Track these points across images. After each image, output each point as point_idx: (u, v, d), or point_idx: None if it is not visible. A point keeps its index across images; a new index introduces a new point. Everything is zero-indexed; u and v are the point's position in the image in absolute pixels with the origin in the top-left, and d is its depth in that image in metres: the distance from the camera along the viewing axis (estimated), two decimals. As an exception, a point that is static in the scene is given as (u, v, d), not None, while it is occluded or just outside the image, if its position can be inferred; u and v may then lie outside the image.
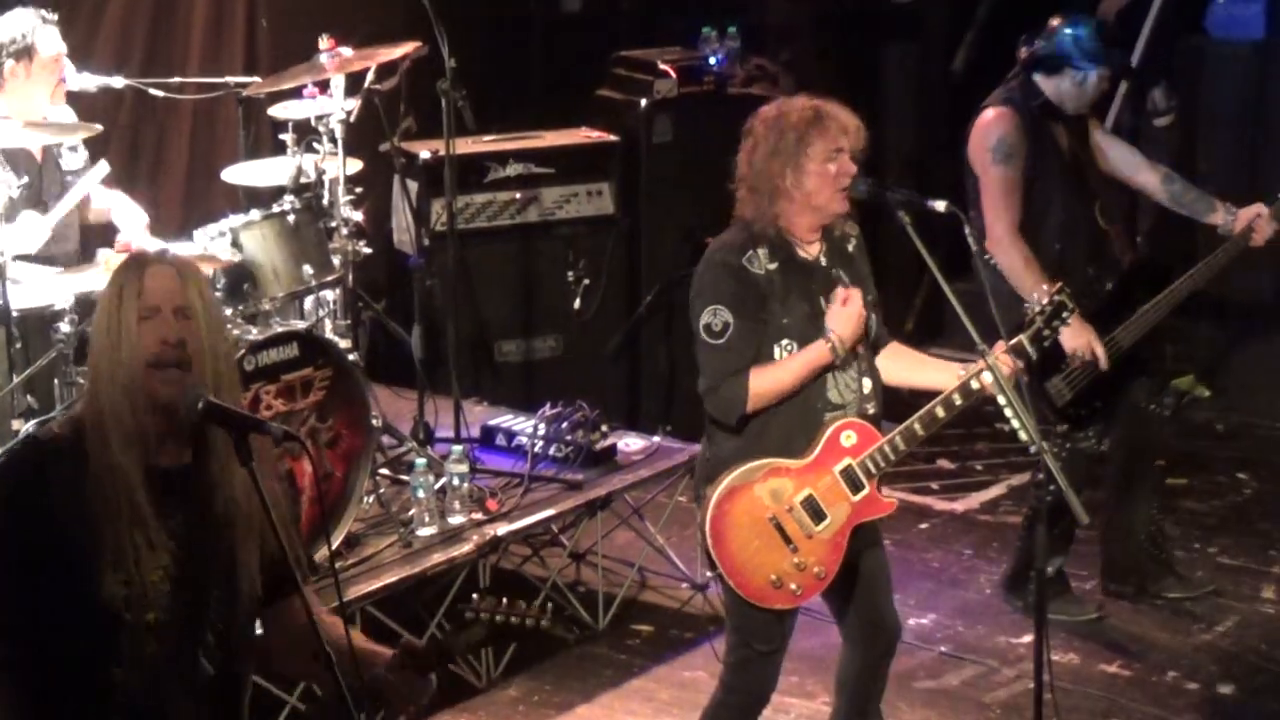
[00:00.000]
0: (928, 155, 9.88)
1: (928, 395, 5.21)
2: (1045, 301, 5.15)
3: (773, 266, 5.07)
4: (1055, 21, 6.77)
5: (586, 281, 8.55)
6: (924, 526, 7.95)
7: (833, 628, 6.92)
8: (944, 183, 9.11)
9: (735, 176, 5.18)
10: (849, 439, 5.11)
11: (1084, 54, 6.68)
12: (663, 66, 8.80)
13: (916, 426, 5.11)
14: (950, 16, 9.93)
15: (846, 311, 5.07)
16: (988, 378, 5.04)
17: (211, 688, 3.65)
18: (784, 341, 5.07)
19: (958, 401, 5.11)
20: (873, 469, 5.11)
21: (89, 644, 3.54)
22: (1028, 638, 6.66)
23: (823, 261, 5.18)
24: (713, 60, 9.00)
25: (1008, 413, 4.97)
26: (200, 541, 3.61)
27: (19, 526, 3.55)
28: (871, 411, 5.19)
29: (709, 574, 5.16)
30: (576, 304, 8.56)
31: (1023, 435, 4.95)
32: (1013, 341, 5.11)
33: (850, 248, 5.28)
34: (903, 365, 5.36)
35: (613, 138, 8.71)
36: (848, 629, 5.43)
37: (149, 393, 3.57)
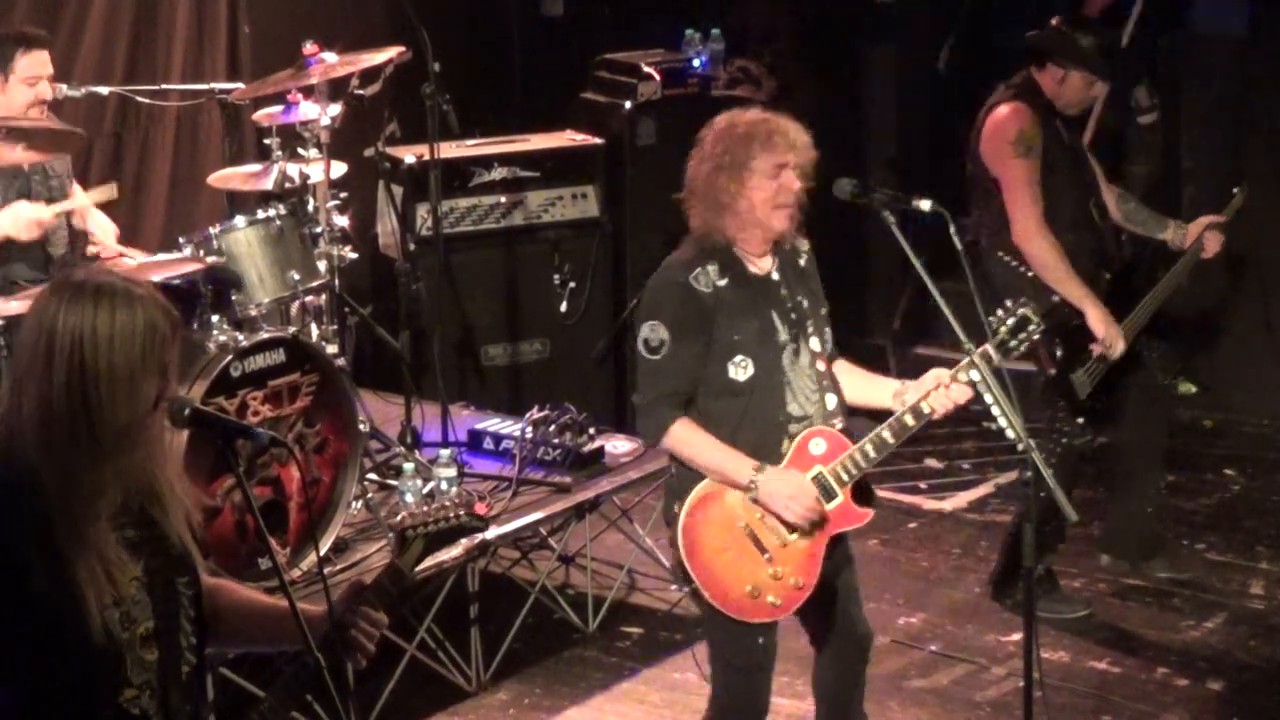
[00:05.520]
0: (911, 155, 9.89)
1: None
2: (1008, 317, 5.06)
3: (722, 283, 4.99)
4: (1054, 20, 6.86)
5: (572, 284, 8.55)
6: (912, 526, 7.95)
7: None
8: (927, 183, 9.16)
9: (684, 188, 5.10)
10: (818, 446, 5.05)
11: (1064, 53, 6.73)
12: (646, 69, 8.80)
13: (886, 434, 5.05)
14: (932, 17, 9.93)
15: (788, 493, 4.97)
16: (946, 397, 4.99)
17: (188, 678, 3.64)
18: (738, 358, 5.00)
19: (925, 410, 5.04)
20: (844, 476, 5.04)
21: (96, 678, 3.46)
22: (1017, 636, 6.67)
23: (774, 276, 5.09)
24: (696, 62, 9.02)
25: (995, 411, 4.97)
26: (155, 538, 3.58)
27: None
28: (840, 426, 5.13)
29: (684, 589, 5.09)
30: (562, 307, 8.56)
31: (1010, 434, 4.96)
32: (979, 350, 5.05)
33: (802, 262, 5.19)
34: (847, 382, 5.26)
35: (597, 140, 8.72)
36: (820, 638, 5.36)
37: (147, 444, 3.52)
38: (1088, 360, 6.72)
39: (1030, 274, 6.69)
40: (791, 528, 5.02)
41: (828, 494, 5.06)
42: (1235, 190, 7.08)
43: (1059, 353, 6.72)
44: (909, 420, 5.05)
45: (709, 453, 4.99)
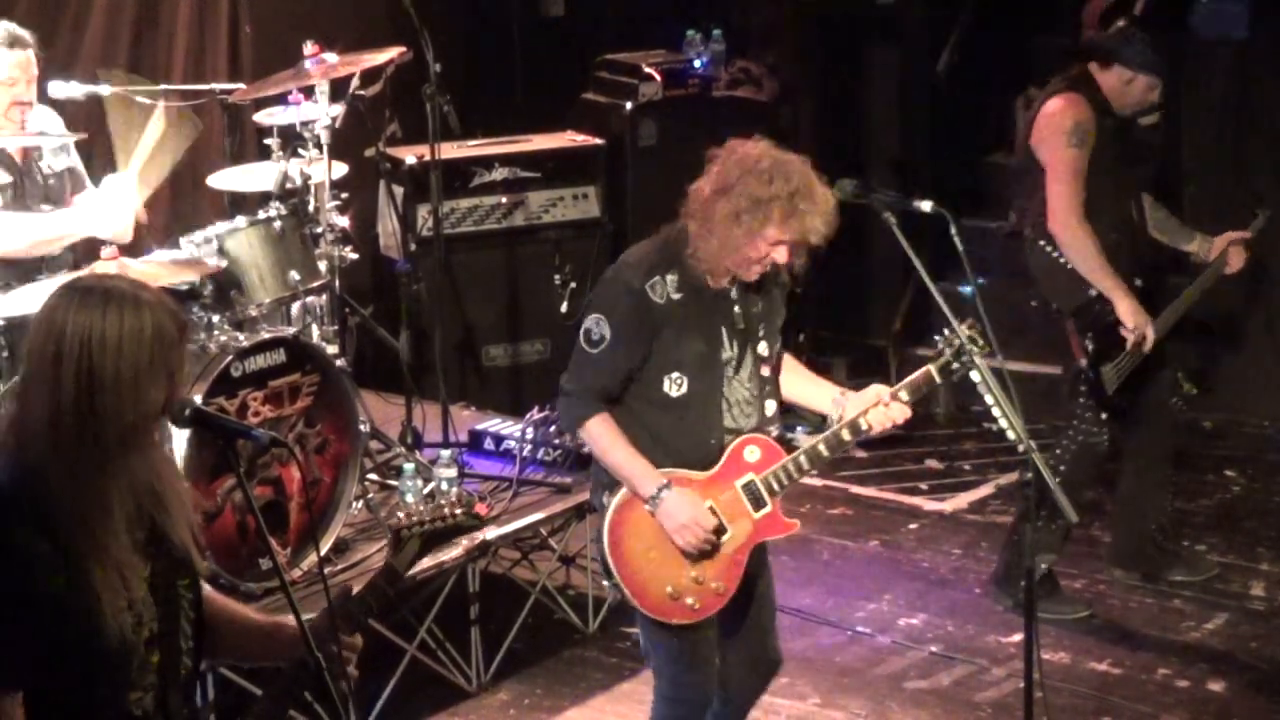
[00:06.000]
0: (911, 157, 9.89)
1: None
2: (954, 338, 5.03)
3: (677, 296, 4.94)
4: (1121, 22, 6.92)
5: (573, 285, 8.55)
6: (913, 527, 7.95)
7: (821, 629, 6.93)
8: (928, 184, 9.17)
9: (693, 189, 4.97)
10: (752, 454, 5.04)
11: (1133, 56, 6.76)
12: (647, 70, 8.81)
13: (821, 448, 5.05)
14: (933, 18, 9.94)
15: (684, 519, 4.94)
16: (885, 415, 5.00)
17: (186, 680, 3.64)
18: (674, 374, 4.97)
19: (863, 426, 5.03)
20: (775, 486, 5.04)
21: (105, 680, 3.47)
22: (1018, 637, 6.66)
23: (732, 294, 5.03)
24: (697, 63, 9.02)
25: (995, 412, 4.97)
26: (158, 540, 3.58)
27: (4, 588, 3.40)
28: (775, 434, 5.12)
29: (605, 583, 5.08)
30: (563, 307, 8.56)
31: (1010, 435, 4.95)
32: (920, 370, 5.05)
33: (734, 293, 5.08)
34: (788, 379, 5.25)
35: (598, 141, 8.73)
36: (729, 650, 5.28)
37: (153, 447, 3.54)
38: (1118, 356, 6.76)
39: (1068, 264, 6.72)
40: (720, 531, 5.01)
41: (757, 502, 5.05)
42: (1259, 212, 7.16)
43: (1091, 347, 6.75)
44: (845, 435, 5.06)
45: (620, 456, 4.98)
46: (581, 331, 5.01)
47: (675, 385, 4.99)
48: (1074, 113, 6.74)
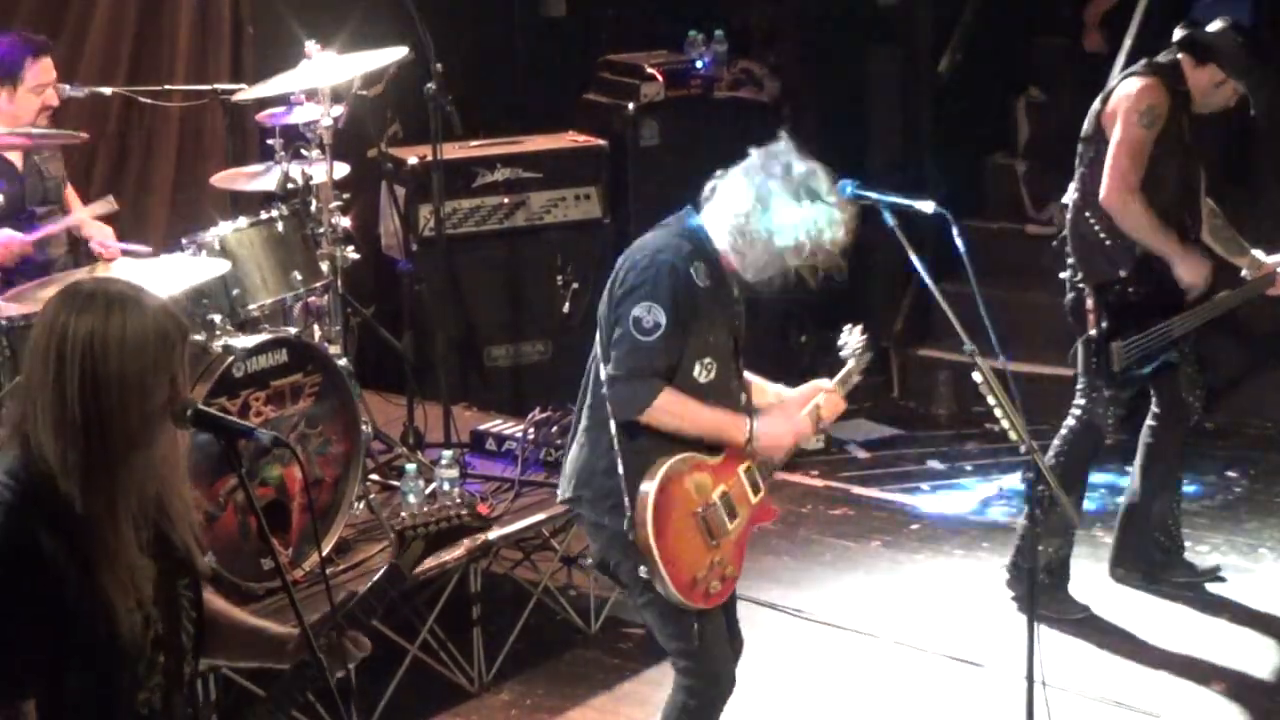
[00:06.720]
0: (912, 157, 9.89)
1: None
2: (855, 341, 5.48)
3: (708, 284, 5.03)
4: (1224, 21, 6.90)
5: (575, 285, 8.56)
6: (915, 527, 7.95)
7: (822, 629, 6.93)
8: (929, 184, 9.17)
9: (741, 195, 5.04)
10: None
11: (1231, 60, 6.74)
12: (649, 70, 8.82)
13: None
14: (935, 19, 9.94)
15: (791, 430, 5.18)
16: (829, 404, 5.30)
17: (189, 680, 3.65)
18: (706, 360, 5.03)
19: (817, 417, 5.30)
20: (766, 473, 5.19)
21: (120, 681, 3.48)
22: (1019, 637, 6.65)
23: (734, 294, 5.15)
24: (699, 64, 9.03)
25: (998, 413, 4.98)
26: (161, 540, 3.59)
27: (24, 592, 3.39)
28: None
29: (642, 570, 5.03)
30: (565, 308, 8.57)
31: (1012, 435, 4.96)
32: (840, 375, 5.38)
33: (735, 290, 5.22)
34: None
35: (600, 142, 8.73)
36: None
37: (158, 449, 3.54)
38: (1130, 336, 6.74)
39: (1106, 240, 6.72)
40: (733, 517, 5.08)
41: (754, 487, 5.17)
42: None
43: (1104, 323, 6.74)
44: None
45: (704, 415, 5.02)
46: (630, 321, 4.98)
47: (706, 371, 5.05)
48: (1150, 96, 6.73)
